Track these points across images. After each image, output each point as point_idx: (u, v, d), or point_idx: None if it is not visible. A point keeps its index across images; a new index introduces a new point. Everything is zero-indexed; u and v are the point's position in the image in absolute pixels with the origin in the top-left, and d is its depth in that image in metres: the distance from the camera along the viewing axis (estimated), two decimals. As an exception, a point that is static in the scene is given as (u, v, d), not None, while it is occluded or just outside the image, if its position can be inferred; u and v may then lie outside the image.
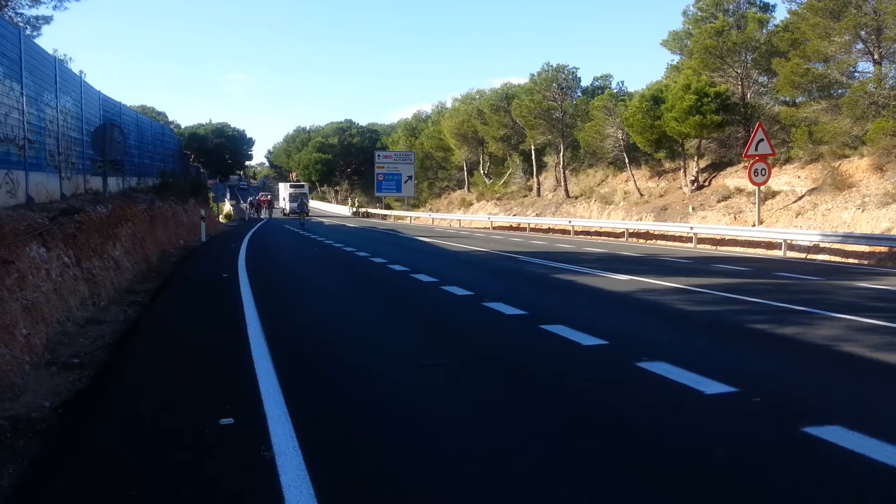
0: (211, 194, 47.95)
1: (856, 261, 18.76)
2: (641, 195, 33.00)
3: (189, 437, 4.60)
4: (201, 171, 51.29)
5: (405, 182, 39.56)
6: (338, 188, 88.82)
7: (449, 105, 61.76)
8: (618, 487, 3.73)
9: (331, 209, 77.14)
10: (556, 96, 39.90)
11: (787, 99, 29.97)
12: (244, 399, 5.32)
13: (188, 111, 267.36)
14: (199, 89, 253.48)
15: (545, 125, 40.43)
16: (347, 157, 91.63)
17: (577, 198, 38.37)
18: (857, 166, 23.48)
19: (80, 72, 16.91)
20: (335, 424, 4.82)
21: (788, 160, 26.77)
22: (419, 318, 9.42)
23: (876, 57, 26.08)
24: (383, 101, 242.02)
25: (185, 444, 4.48)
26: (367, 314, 9.79)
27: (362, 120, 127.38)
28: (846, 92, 26.42)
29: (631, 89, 40.11)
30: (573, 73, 40.56)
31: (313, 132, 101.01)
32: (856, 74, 27.25)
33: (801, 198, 24.19)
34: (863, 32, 25.82)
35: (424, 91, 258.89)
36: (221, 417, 4.85)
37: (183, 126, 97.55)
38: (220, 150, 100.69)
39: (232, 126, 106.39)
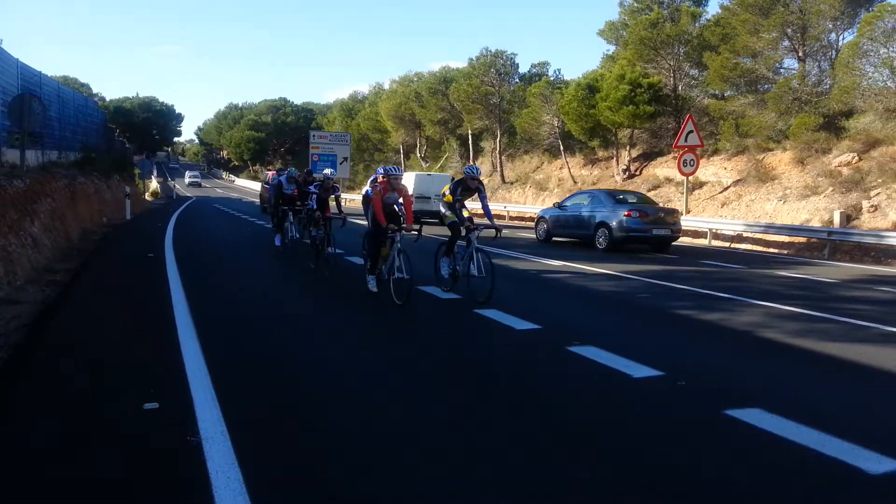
0: (137, 171, 46.28)
1: (776, 250, 19.54)
2: (575, 182, 33.51)
3: (111, 423, 4.42)
4: (127, 146, 49.36)
5: (341, 163, 38.92)
6: (271, 167, 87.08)
7: (386, 87, 61.18)
8: (545, 466, 3.77)
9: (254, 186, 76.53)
10: (494, 82, 40.02)
11: (717, 92, 30.88)
12: (170, 382, 5.15)
13: (114, 84, 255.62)
14: (126, 61, 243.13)
15: (483, 110, 40.55)
16: (281, 136, 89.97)
17: (512, 183, 38.71)
18: (780, 159, 24.43)
19: (-4, 37, 15.96)
20: (264, 407, 4.72)
21: (716, 152, 27.62)
22: (349, 301, 9.33)
23: (800, 54, 27.10)
24: (319, 81, 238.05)
25: (107, 431, 4.30)
26: (295, 295, 9.67)
27: (297, 99, 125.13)
28: (772, 87, 27.41)
29: (567, 77, 40.63)
30: (511, 59, 40.75)
31: (246, 110, 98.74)
32: (781, 70, 28.30)
33: (726, 188, 25.02)
34: (789, 30, 26.78)
35: (361, 72, 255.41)
36: (146, 402, 4.69)
37: (108, 99, 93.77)
38: (148, 125, 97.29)
39: (160, 101, 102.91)
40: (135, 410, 4.56)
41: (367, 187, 11.98)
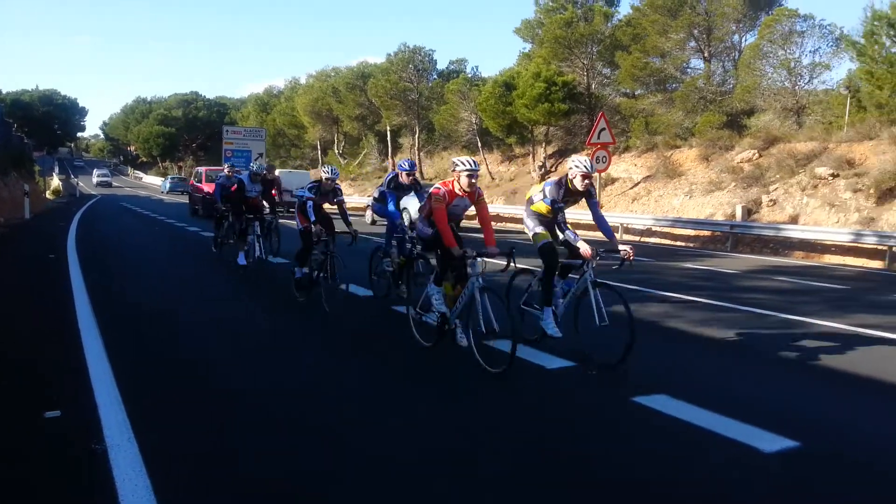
0: (37, 168, 43.96)
1: (683, 243, 20.35)
2: (493, 179, 33.92)
3: (9, 433, 4.19)
4: (26, 141, 46.77)
5: (255, 159, 38.02)
6: (181, 164, 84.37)
7: (303, 81, 60.18)
8: (456, 453, 3.82)
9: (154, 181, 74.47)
10: (413, 78, 40.04)
11: (628, 91, 31.90)
12: (72, 388, 4.93)
13: (10, 76, 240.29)
14: (24, 52, 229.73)
15: (401, 106, 40.51)
16: (192, 131, 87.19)
17: (431, 180, 38.82)
18: (687, 156, 25.44)
19: None
20: (172, 411, 4.58)
21: (627, 149, 28.51)
22: (269, 309, 9.17)
23: (706, 55, 28.32)
24: (233, 75, 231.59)
25: (4, 441, 4.08)
26: (214, 296, 9.43)
27: (209, 93, 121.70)
28: (679, 86, 28.53)
29: (485, 75, 41.06)
30: (429, 55, 40.87)
31: (155, 104, 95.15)
32: (688, 70, 29.52)
33: (637, 184, 25.86)
34: (695, 31, 27.94)
35: (277, 66, 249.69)
36: (46, 409, 4.46)
37: (4, 92, 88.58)
38: (49, 119, 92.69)
39: (62, 94, 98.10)
40: (35, 419, 4.35)
41: (380, 186, 9.22)
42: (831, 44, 24.35)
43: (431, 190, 6.23)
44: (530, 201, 6.51)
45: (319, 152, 55.43)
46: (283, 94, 64.84)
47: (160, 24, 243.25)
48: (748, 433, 4.13)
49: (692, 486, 3.58)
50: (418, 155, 40.58)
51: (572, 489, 3.52)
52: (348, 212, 8.82)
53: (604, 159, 24.41)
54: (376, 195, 9.29)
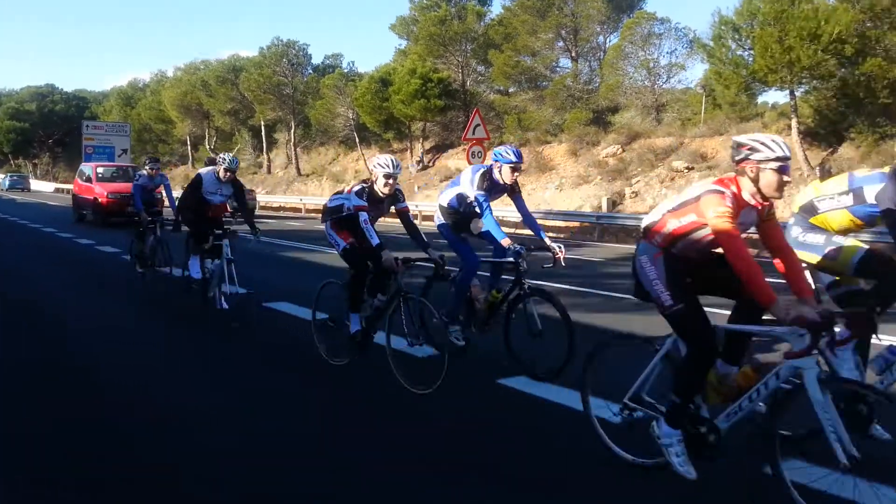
0: None
1: (554, 234, 21.03)
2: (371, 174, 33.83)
3: None
4: None
5: (119, 156, 35.96)
6: (37, 161, 78.54)
7: (170, 74, 57.51)
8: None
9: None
10: (287, 72, 39.25)
11: (501, 88, 32.76)
12: None
13: None
14: None
15: (275, 101, 39.64)
16: (49, 126, 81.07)
17: (308, 176, 38.21)
18: (557, 151, 26.46)
19: None
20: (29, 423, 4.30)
21: (501, 144, 29.16)
22: (135, 300, 8.74)
23: (573, 54, 29.56)
24: (94, 68, 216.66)
25: None
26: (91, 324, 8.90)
27: (67, 86, 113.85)
28: (549, 84, 29.63)
29: (361, 70, 40.87)
30: (304, 49, 40.25)
31: (5, 97, 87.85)
32: (557, 69, 30.71)
33: (511, 179, 26.62)
34: (563, 32, 29.10)
35: (142, 58, 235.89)
36: None
37: None
38: None
39: None
40: None
41: (462, 187, 6.04)
42: (686, 46, 26.13)
43: (705, 195, 3.24)
44: (809, 210, 4.13)
45: (189, 148, 53.29)
46: (149, 87, 61.67)
47: (7, 8, 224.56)
48: (602, 408, 4.32)
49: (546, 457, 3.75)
50: (295, 150, 39.85)
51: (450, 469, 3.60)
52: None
53: (479, 154, 24.91)
54: (444, 203, 6.10)
